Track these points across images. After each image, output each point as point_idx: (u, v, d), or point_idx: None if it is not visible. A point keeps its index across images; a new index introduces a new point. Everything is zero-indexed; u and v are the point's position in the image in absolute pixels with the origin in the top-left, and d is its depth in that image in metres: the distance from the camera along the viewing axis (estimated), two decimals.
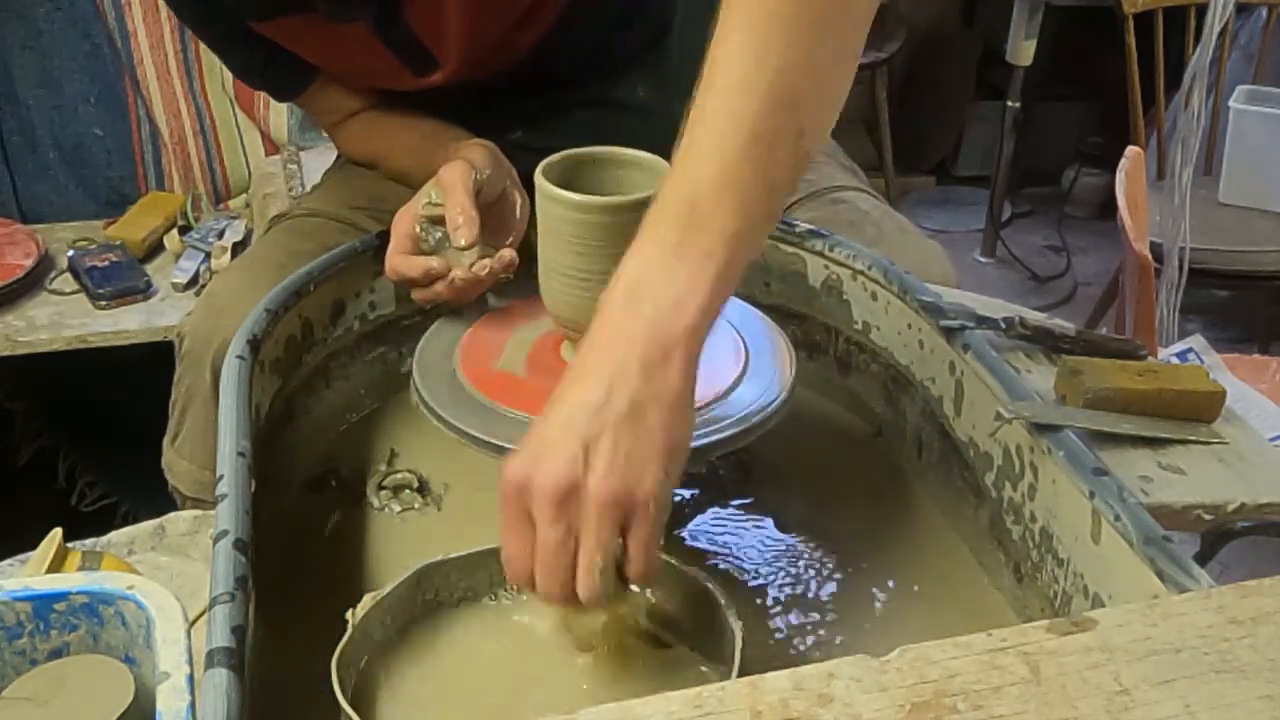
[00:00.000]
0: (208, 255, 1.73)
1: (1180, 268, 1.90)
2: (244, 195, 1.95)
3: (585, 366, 0.64)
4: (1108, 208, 2.84)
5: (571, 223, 0.77)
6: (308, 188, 1.68)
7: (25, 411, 1.86)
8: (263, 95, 1.88)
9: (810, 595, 0.82)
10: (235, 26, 1.04)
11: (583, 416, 0.62)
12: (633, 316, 0.63)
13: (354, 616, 0.68)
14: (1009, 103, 2.82)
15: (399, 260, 0.89)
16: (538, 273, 0.83)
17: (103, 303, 1.64)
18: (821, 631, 0.79)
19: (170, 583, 0.73)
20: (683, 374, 0.64)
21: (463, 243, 0.86)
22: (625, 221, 0.77)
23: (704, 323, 0.65)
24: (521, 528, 0.63)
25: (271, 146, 1.97)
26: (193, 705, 0.53)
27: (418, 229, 0.89)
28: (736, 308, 0.92)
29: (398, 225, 0.90)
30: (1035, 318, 0.88)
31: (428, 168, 0.93)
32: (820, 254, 0.98)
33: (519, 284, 0.91)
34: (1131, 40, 2.23)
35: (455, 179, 0.88)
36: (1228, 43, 2.33)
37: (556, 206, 0.78)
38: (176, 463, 1.06)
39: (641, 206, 0.76)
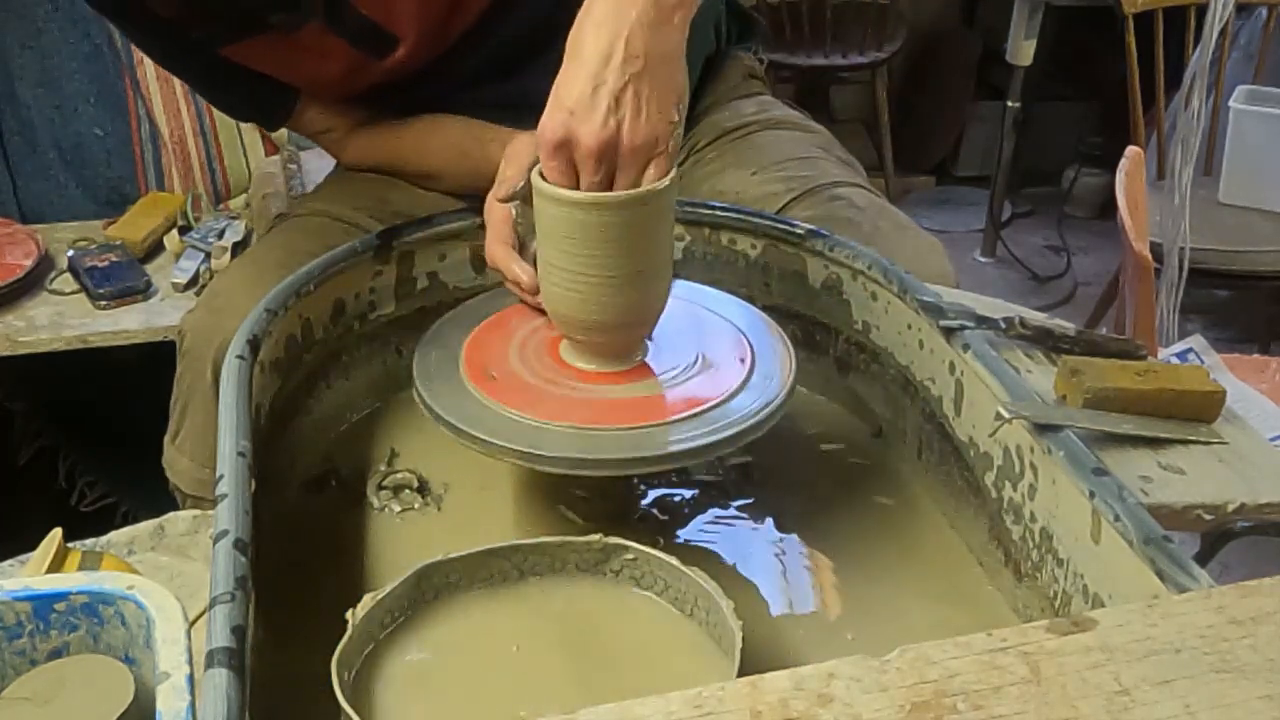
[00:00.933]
0: (208, 255, 1.72)
1: (1180, 268, 1.89)
2: (244, 195, 1.95)
3: (598, 26, 0.75)
4: (1108, 208, 2.85)
5: (567, 221, 0.77)
6: (308, 188, 1.68)
7: (25, 411, 1.86)
8: None
9: (810, 595, 0.82)
10: (210, 62, 1.07)
11: (609, 76, 0.74)
12: None
13: (354, 616, 0.68)
14: (1009, 103, 2.82)
15: (500, 251, 0.90)
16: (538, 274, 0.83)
17: (103, 303, 1.63)
18: (821, 631, 0.79)
19: (170, 583, 0.73)
20: (682, 29, 0.77)
21: (500, 196, 0.89)
22: (621, 219, 0.77)
23: (695, 2, 0.77)
24: (566, 173, 0.77)
25: (271, 146, 1.97)
26: (193, 705, 0.53)
27: (513, 211, 0.89)
28: (737, 307, 0.92)
29: (492, 212, 0.91)
30: (1035, 318, 0.88)
31: (464, 164, 0.98)
32: (820, 254, 0.98)
33: None
34: (1131, 40, 2.23)
35: (520, 149, 0.90)
36: (1228, 43, 2.33)
37: (552, 205, 0.78)
38: (177, 460, 1.06)
39: (636, 203, 0.76)
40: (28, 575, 0.75)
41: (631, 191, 0.76)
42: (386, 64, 1.07)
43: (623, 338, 0.84)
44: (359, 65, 1.07)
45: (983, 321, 0.85)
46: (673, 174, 0.78)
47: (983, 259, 3.08)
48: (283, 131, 1.97)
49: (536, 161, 0.86)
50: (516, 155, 0.91)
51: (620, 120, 0.75)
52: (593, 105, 0.74)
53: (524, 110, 1.03)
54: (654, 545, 0.74)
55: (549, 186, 0.77)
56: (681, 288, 0.92)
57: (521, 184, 0.88)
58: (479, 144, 1.07)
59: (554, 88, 0.77)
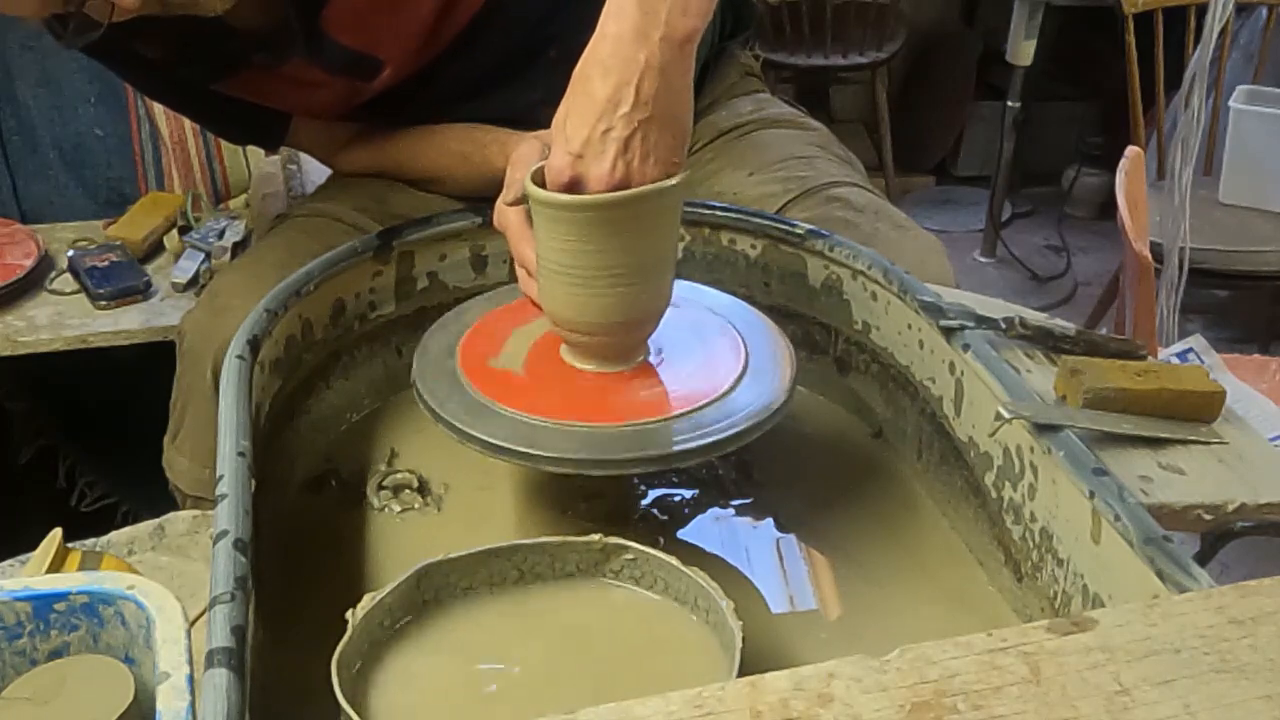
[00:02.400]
0: (208, 255, 1.72)
1: (1180, 268, 1.89)
2: (244, 195, 1.95)
3: (606, 70, 0.74)
4: (1108, 208, 2.85)
5: (563, 222, 0.77)
6: (308, 188, 1.68)
7: (25, 411, 1.86)
8: None
9: (810, 595, 0.82)
10: (201, 96, 1.09)
11: (618, 122, 0.74)
12: (648, 15, 0.74)
13: (354, 616, 0.68)
14: (1009, 103, 2.82)
15: (530, 254, 0.87)
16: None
17: (103, 303, 1.63)
18: (822, 631, 0.79)
19: (170, 583, 0.73)
20: (691, 59, 0.76)
21: (508, 200, 0.87)
22: (614, 218, 0.77)
23: (705, 23, 0.77)
24: None
25: None
26: (193, 705, 0.53)
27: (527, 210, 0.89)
28: (736, 307, 0.92)
29: (506, 217, 0.90)
30: (1035, 318, 0.88)
31: (465, 167, 1.00)
32: (820, 254, 0.98)
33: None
34: (1131, 40, 2.23)
35: (525, 154, 0.90)
36: (1228, 43, 2.33)
37: (547, 209, 0.78)
38: (176, 460, 1.06)
39: (630, 203, 0.76)
40: (28, 575, 0.75)
41: (620, 193, 0.76)
42: (374, 86, 1.07)
43: (621, 340, 0.84)
44: (347, 91, 1.08)
45: (983, 321, 0.85)
46: (678, 177, 0.78)
47: (983, 259, 3.08)
48: None
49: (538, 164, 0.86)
50: (522, 159, 0.90)
51: (629, 163, 0.75)
52: (601, 150, 0.74)
53: (519, 123, 1.04)
54: (654, 545, 0.74)
55: (542, 191, 0.77)
56: (681, 288, 0.92)
57: (518, 190, 0.88)
58: (479, 147, 1.08)
59: (560, 123, 0.77)
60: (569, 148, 0.75)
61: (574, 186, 0.76)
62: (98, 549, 0.85)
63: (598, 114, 0.74)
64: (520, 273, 0.90)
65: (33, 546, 0.77)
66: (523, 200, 0.86)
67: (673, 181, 0.77)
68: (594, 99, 0.75)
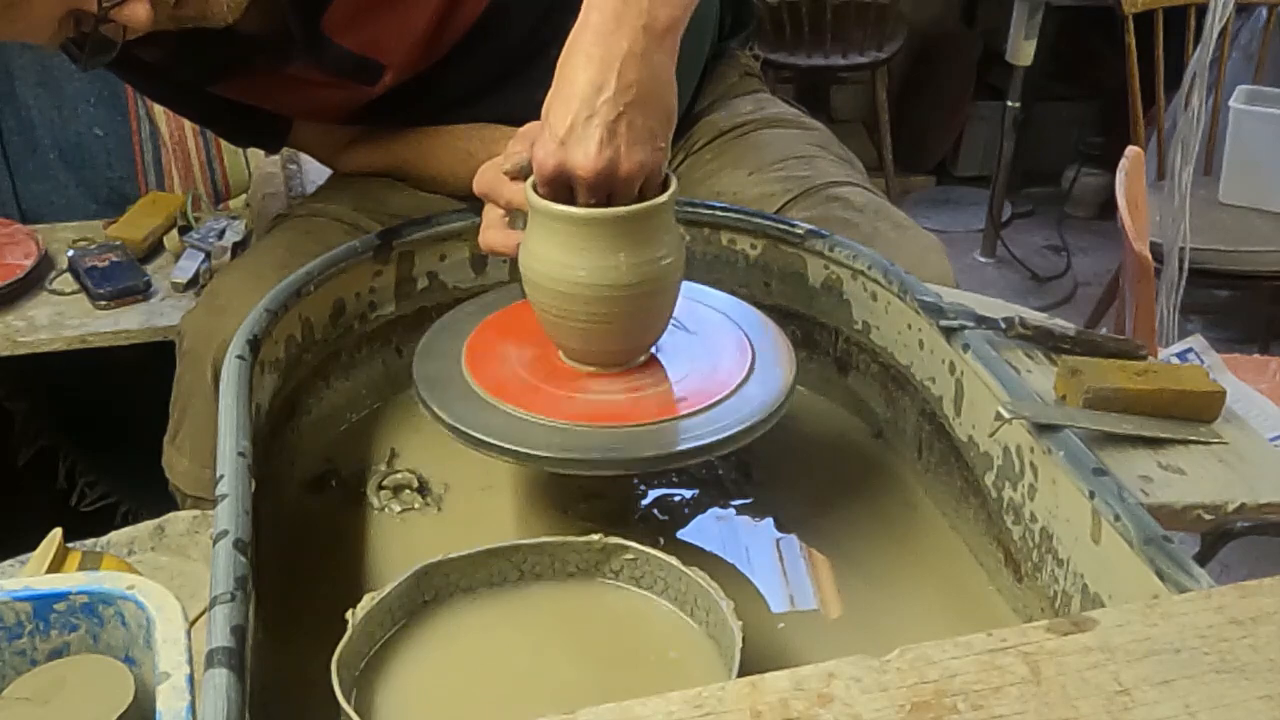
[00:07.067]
0: (208, 255, 1.72)
1: (1180, 268, 1.89)
2: (244, 195, 1.95)
3: (589, 57, 0.75)
4: (1108, 208, 2.85)
5: (563, 233, 0.77)
6: (308, 188, 1.68)
7: (25, 411, 1.86)
8: None
9: (810, 595, 0.82)
10: (202, 98, 1.09)
11: (602, 107, 0.74)
12: (630, 4, 0.75)
13: (354, 616, 0.68)
14: (1009, 103, 2.82)
15: (495, 236, 0.88)
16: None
17: (103, 303, 1.63)
18: (822, 631, 0.79)
19: (170, 583, 0.73)
20: (673, 52, 0.78)
21: (507, 169, 0.86)
22: (612, 234, 0.77)
23: (687, 14, 0.78)
24: (562, 200, 0.77)
25: None
26: (193, 705, 0.53)
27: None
28: (737, 307, 0.92)
29: (491, 175, 0.89)
30: (1035, 318, 0.88)
31: (469, 165, 0.97)
32: (820, 254, 0.98)
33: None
34: (1131, 40, 2.23)
35: (532, 130, 0.89)
36: (1228, 43, 2.33)
37: (544, 218, 0.78)
38: (176, 460, 1.06)
39: (628, 219, 0.76)
40: (28, 575, 0.75)
41: (618, 209, 0.76)
42: (376, 89, 1.08)
43: (619, 350, 0.83)
44: (348, 94, 1.08)
45: (983, 321, 0.85)
46: (673, 188, 0.79)
47: (983, 259, 3.08)
48: None
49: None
50: (528, 134, 0.90)
51: (616, 148, 0.75)
52: (586, 135, 0.74)
53: (522, 123, 1.03)
54: (654, 545, 0.74)
55: (539, 199, 0.77)
56: (681, 287, 0.92)
57: (520, 160, 0.86)
58: (484, 144, 1.07)
59: (545, 114, 0.77)
60: (554, 135, 0.75)
61: (560, 174, 0.76)
62: (98, 549, 0.86)
63: (581, 99, 0.74)
64: (496, 217, 0.87)
65: (33, 546, 0.77)
66: (519, 173, 0.85)
67: (663, 198, 0.77)
68: (576, 85, 0.75)
